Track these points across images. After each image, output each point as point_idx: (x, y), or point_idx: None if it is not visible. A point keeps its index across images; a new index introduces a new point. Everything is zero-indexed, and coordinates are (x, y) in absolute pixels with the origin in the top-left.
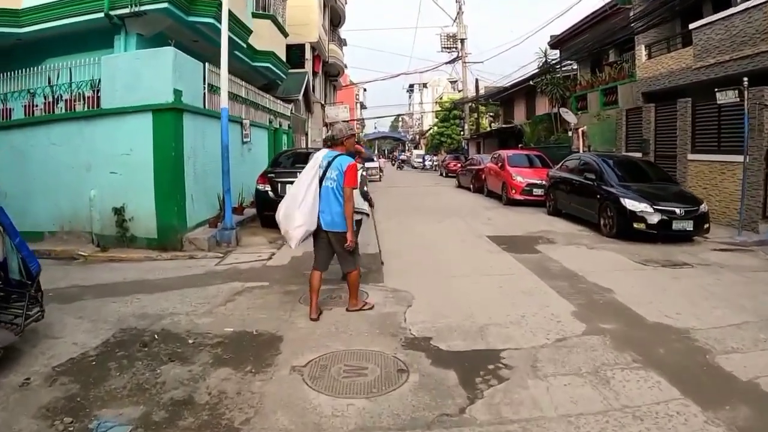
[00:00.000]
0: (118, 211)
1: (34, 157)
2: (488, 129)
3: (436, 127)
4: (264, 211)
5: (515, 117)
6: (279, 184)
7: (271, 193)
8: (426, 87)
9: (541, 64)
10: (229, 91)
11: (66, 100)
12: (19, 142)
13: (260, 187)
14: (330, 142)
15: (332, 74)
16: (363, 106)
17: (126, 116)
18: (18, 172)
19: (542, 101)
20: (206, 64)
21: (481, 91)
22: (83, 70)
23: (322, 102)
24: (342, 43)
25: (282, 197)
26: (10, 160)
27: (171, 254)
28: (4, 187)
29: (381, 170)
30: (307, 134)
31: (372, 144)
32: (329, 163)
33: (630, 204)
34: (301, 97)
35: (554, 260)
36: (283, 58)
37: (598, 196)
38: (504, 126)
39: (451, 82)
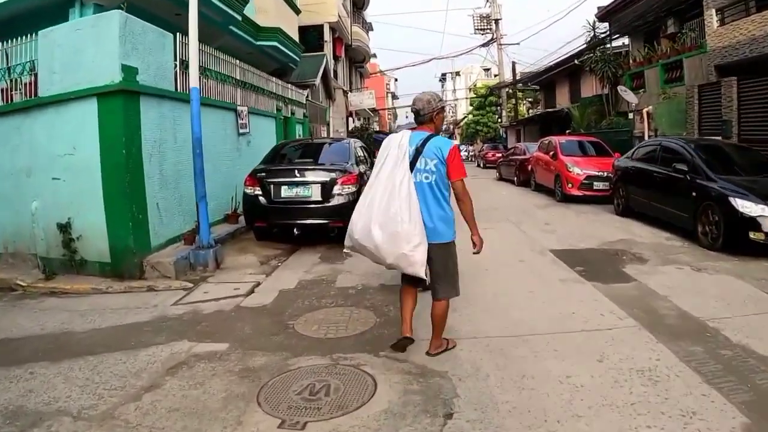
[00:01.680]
0: (64, 228)
1: None
2: (527, 115)
3: (471, 116)
4: (255, 222)
5: (557, 101)
6: (272, 186)
7: (262, 199)
8: (459, 75)
9: (588, 38)
10: (213, 70)
11: (3, 90)
12: None
13: (248, 190)
14: (415, 120)
15: (357, 60)
16: (395, 97)
17: (67, 104)
18: None
19: (589, 82)
20: (178, 34)
21: (518, 76)
22: (22, 52)
23: (345, 88)
24: (368, 27)
25: (277, 203)
26: None
27: (126, 284)
28: None
29: None
30: (328, 124)
31: None
32: (418, 150)
33: (742, 206)
34: (318, 81)
35: (659, 295)
36: (295, 37)
37: (694, 194)
38: (548, 110)
39: (484, 69)
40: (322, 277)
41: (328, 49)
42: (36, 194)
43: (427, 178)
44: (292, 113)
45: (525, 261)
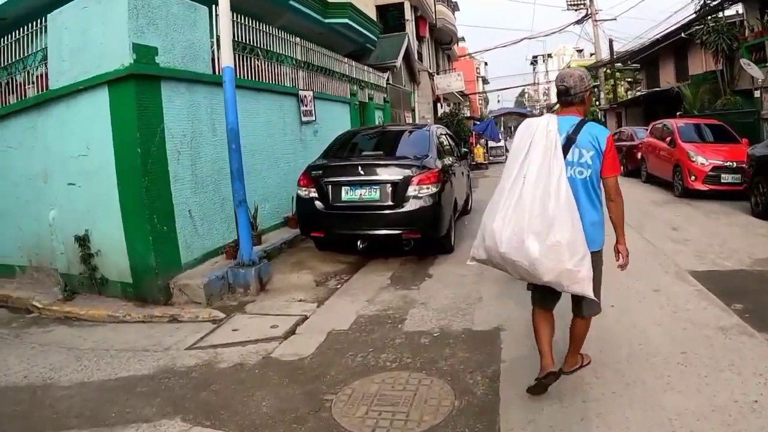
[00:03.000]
0: (82, 242)
1: None
2: (626, 97)
3: None
4: (310, 231)
5: (660, 80)
6: (330, 187)
7: (318, 203)
8: (551, 57)
9: (697, 7)
10: (266, 49)
11: (19, 85)
12: None
13: (302, 192)
14: (561, 100)
15: (444, 42)
16: (485, 81)
17: (77, 96)
18: None
19: (697, 58)
20: (214, 7)
21: (615, 55)
22: (35, 40)
23: (431, 71)
24: (453, 6)
25: (337, 208)
26: None
27: (147, 312)
28: None
29: (507, 150)
30: (413, 110)
31: (498, 120)
32: (570, 138)
33: None
34: (400, 62)
35: None
36: (372, 15)
37: None
38: (654, 90)
39: (577, 50)
40: (387, 310)
41: (410, 28)
42: (53, 202)
43: (581, 173)
44: (371, 98)
45: (661, 290)
